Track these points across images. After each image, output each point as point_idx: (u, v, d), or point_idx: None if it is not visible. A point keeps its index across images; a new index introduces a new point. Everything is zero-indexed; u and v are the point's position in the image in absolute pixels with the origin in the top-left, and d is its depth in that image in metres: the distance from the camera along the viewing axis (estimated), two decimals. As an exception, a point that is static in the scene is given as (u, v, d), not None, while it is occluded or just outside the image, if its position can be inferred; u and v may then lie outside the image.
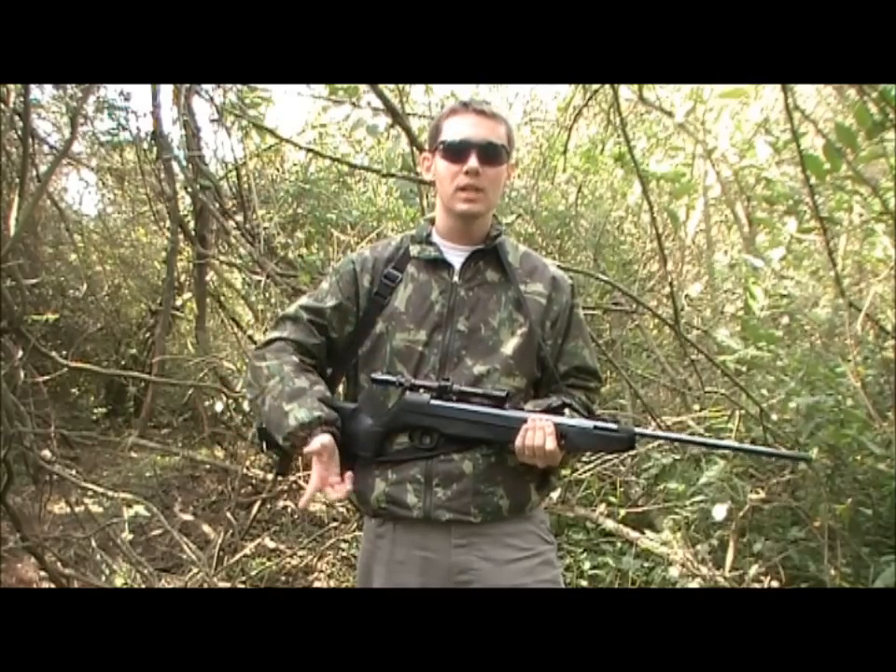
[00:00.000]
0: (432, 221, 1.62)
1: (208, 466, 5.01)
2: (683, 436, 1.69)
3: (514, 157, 1.58)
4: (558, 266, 1.71)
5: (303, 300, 1.63)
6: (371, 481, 1.52)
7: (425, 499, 1.48)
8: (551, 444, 1.39)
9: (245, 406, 4.57)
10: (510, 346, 1.52)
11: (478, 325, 1.52)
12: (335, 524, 3.80)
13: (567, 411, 1.48)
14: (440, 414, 1.47)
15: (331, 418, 1.47)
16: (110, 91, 4.94)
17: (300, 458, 4.04)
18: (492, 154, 1.50)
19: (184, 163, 4.43)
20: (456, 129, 1.51)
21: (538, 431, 1.40)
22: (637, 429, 1.45)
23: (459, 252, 1.57)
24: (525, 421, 1.42)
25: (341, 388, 1.67)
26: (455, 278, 1.55)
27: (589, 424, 1.43)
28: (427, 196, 3.74)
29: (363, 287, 1.58)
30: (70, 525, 3.62)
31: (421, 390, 1.48)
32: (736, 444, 1.68)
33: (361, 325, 1.57)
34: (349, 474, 1.45)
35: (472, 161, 1.48)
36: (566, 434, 1.41)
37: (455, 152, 1.49)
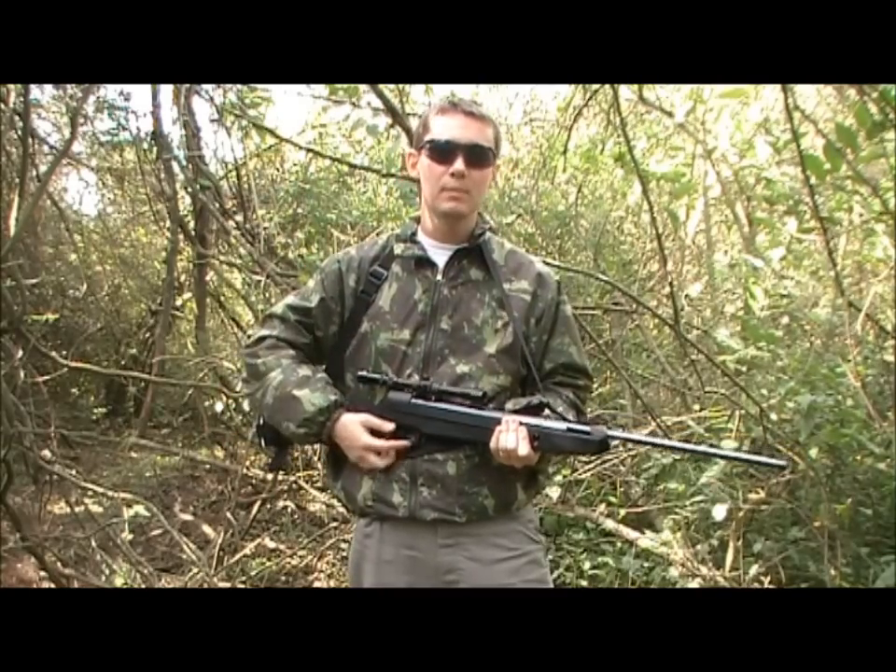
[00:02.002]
0: (418, 220, 1.62)
1: (208, 466, 5.01)
2: (656, 440, 1.70)
3: (500, 158, 1.58)
4: (550, 264, 1.71)
5: (290, 298, 1.65)
6: (359, 479, 1.53)
7: (410, 498, 1.48)
8: (524, 449, 1.39)
9: (246, 406, 4.58)
10: (493, 345, 1.52)
11: (461, 324, 1.52)
12: (335, 524, 3.81)
13: (546, 411, 1.47)
14: (419, 414, 1.47)
15: (343, 401, 1.52)
16: (110, 91, 4.96)
17: (297, 458, 4.07)
18: (479, 156, 1.49)
19: (184, 163, 4.44)
20: (444, 129, 1.50)
21: (510, 433, 1.40)
22: (610, 432, 1.44)
23: (443, 251, 1.57)
24: (499, 422, 1.42)
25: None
26: (439, 277, 1.55)
27: (562, 425, 1.42)
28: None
29: (349, 286, 1.58)
30: (70, 525, 3.62)
31: (405, 389, 1.48)
32: (712, 450, 1.68)
33: (347, 324, 1.57)
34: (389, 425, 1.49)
35: (458, 164, 1.47)
36: (539, 436, 1.41)
37: (442, 153, 1.49)
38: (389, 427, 1.48)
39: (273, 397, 1.51)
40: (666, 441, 1.68)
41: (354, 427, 1.48)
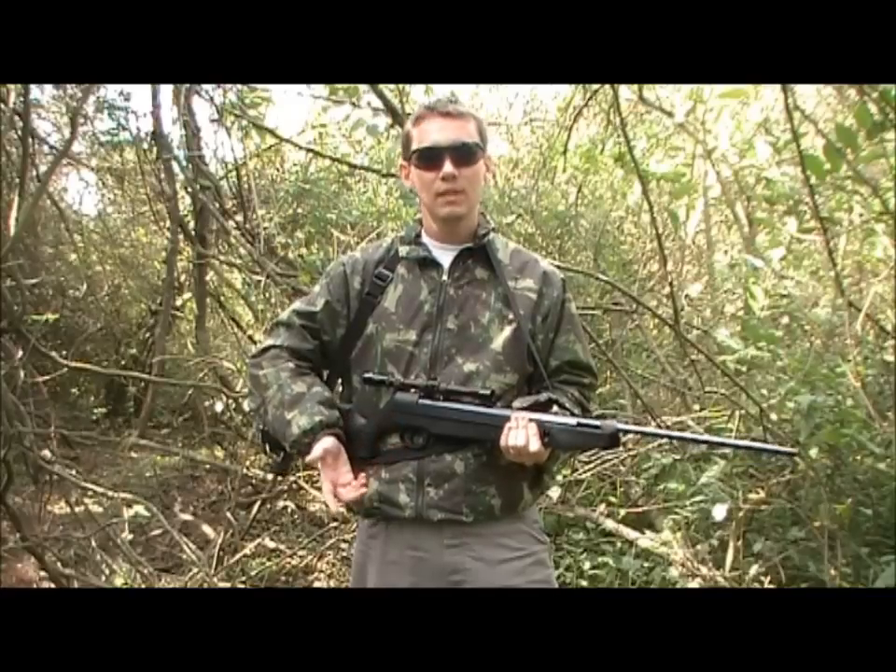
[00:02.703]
0: (421, 221, 1.62)
1: (208, 466, 5.01)
2: (667, 431, 1.69)
3: (498, 156, 1.58)
4: (551, 263, 1.71)
5: (296, 304, 1.65)
6: (365, 480, 1.52)
7: (417, 499, 1.48)
8: (535, 445, 1.39)
9: (245, 406, 4.58)
10: (499, 343, 1.52)
11: (467, 323, 1.52)
12: (335, 524, 3.80)
13: (554, 407, 1.47)
14: (427, 414, 1.47)
15: (332, 420, 1.49)
16: (110, 91, 4.95)
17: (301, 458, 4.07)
18: (465, 154, 1.49)
19: (184, 163, 4.44)
20: (425, 135, 1.50)
21: (520, 430, 1.40)
22: (621, 426, 1.43)
23: (448, 251, 1.57)
24: (508, 419, 1.42)
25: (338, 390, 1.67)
26: (444, 277, 1.55)
27: (572, 421, 1.42)
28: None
29: (354, 288, 1.58)
30: (70, 524, 3.62)
31: (411, 390, 1.48)
32: (722, 439, 1.67)
33: (353, 326, 1.57)
34: (363, 475, 1.48)
35: (447, 167, 1.47)
36: (549, 432, 1.41)
37: (428, 159, 1.49)
38: (359, 483, 1.47)
39: (271, 415, 1.53)
40: (677, 433, 1.68)
41: (326, 454, 1.47)
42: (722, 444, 1.79)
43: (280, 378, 1.53)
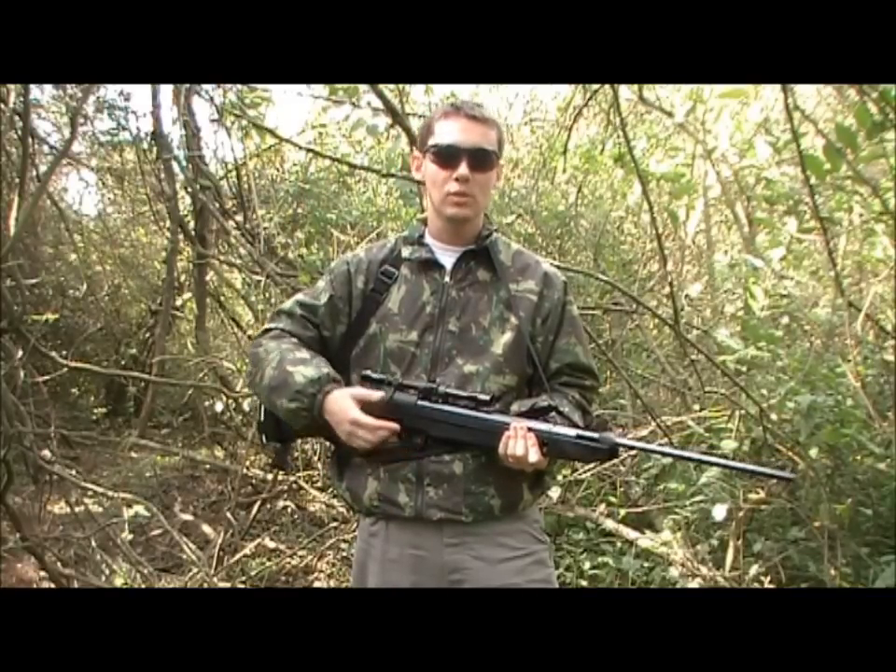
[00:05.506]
0: (425, 222, 1.63)
1: (208, 466, 5.01)
2: (665, 448, 1.69)
3: (503, 158, 1.59)
4: (552, 264, 1.71)
5: (299, 296, 1.65)
6: (364, 479, 1.53)
7: (416, 498, 1.49)
8: (534, 457, 1.38)
9: (246, 406, 4.58)
10: (500, 345, 1.52)
11: (469, 325, 1.53)
12: (335, 524, 3.81)
13: (553, 414, 1.47)
14: (426, 416, 1.47)
15: (338, 376, 1.50)
16: (110, 91, 4.95)
17: (298, 458, 4.07)
18: (482, 160, 1.50)
19: (184, 163, 4.44)
20: (447, 133, 1.50)
21: (519, 440, 1.39)
22: (619, 440, 1.43)
23: (451, 252, 1.58)
24: (507, 426, 1.41)
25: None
26: (447, 279, 1.56)
27: (572, 432, 1.41)
28: (426, 196, 3.75)
29: (357, 287, 1.59)
30: (70, 524, 3.62)
31: (410, 391, 1.48)
32: (721, 461, 1.69)
33: (355, 325, 1.58)
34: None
35: (462, 169, 1.48)
36: (547, 442, 1.40)
37: (446, 157, 1.50)
38: (377, 395, 1.47)
39: (269, 377, 1.51)
40: (677, 451, 1.68)
41: (344, 400, 1.46)
42: (721, 465, 1.80)
43: (281, 347, 1.54)
